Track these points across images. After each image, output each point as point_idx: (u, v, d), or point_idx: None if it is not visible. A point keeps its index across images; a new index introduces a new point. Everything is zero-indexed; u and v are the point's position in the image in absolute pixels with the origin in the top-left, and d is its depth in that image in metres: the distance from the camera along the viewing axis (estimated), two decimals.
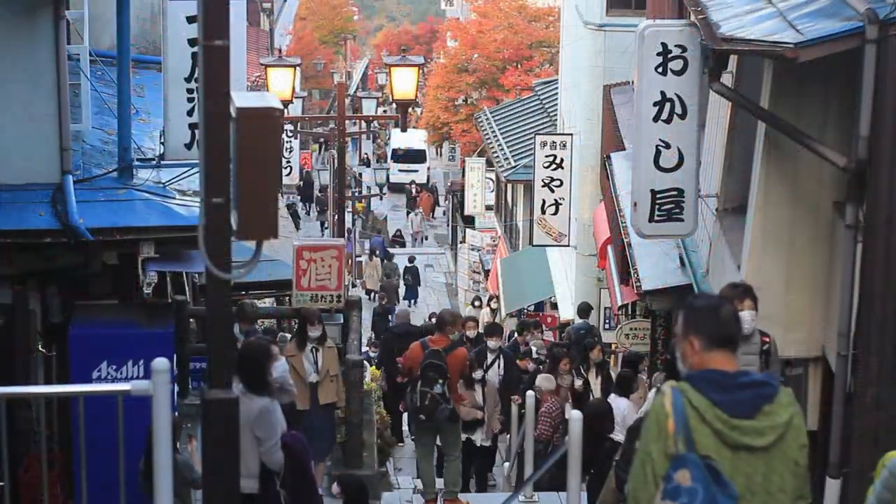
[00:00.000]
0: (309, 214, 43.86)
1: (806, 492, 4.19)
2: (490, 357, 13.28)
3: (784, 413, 4.10)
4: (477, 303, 28.43)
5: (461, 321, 11.12)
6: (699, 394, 4.05)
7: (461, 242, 37.94)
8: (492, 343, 13.38)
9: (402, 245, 40.43)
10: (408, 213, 45.41)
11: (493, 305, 27.78)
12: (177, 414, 8.77)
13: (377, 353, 19.09)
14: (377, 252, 36.35)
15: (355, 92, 53.40)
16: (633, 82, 13.04)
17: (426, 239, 43.09)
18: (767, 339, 7.66)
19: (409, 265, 35.35)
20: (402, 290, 34.79)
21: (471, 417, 12.36)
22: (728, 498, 3.97)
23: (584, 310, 18.21)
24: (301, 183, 41.04)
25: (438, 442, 11.39)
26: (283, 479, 7.52)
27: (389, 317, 29.58)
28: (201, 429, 6.01)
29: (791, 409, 4.12)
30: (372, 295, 32.37)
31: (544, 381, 12.64)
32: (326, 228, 38.09)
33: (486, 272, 33.01)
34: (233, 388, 5.93)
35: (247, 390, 7.28)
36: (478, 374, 12.47)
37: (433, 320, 24.62)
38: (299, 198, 43.49)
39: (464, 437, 12.32)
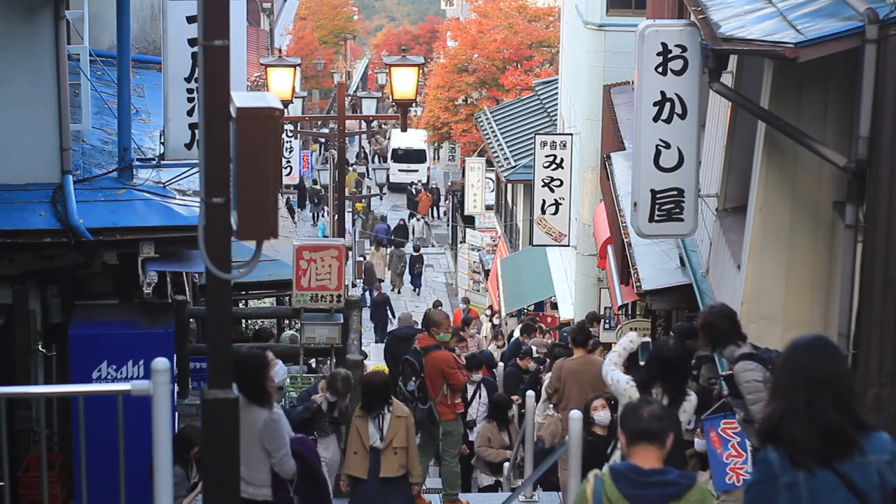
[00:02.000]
0: (300, 209, 43.93)
1: None
2: (470, 389, 12.73)
3: None
4: (489, 311, 27.47)
5: (448, 323, 10.91)
6: (615, 486, 4.71)
7: (461, 242, 37.90)
8: (474, 376, 12.77)
9: (402, 245, 40.37)
10: (409, 217, 45.21)
11: (496, 321, 26.26)
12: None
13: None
14: (382, 242, 36.42)
15: (355, 92, 53.35)
16: (633, 82, 13.02)
17: (432, 246, 42.89)
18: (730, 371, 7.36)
19: (414, 254, 35.47)
20: (407, 278, 35.32)
21: (500, 459, 12.24)
22: None
23: (589, 319, 18.11)
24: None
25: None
26: (297, 486, 7.47)
27: (388, 308, 29.64)
28: (202, 426, 6.01)
29: None
30: (376, 284, 32.36)
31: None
32: (323, 218, 38.20)
33: (486, 272, 32.96)
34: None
35: (248, 402, 6.98)
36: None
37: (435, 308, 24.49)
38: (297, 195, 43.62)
39: (493, 479, 12.47)
